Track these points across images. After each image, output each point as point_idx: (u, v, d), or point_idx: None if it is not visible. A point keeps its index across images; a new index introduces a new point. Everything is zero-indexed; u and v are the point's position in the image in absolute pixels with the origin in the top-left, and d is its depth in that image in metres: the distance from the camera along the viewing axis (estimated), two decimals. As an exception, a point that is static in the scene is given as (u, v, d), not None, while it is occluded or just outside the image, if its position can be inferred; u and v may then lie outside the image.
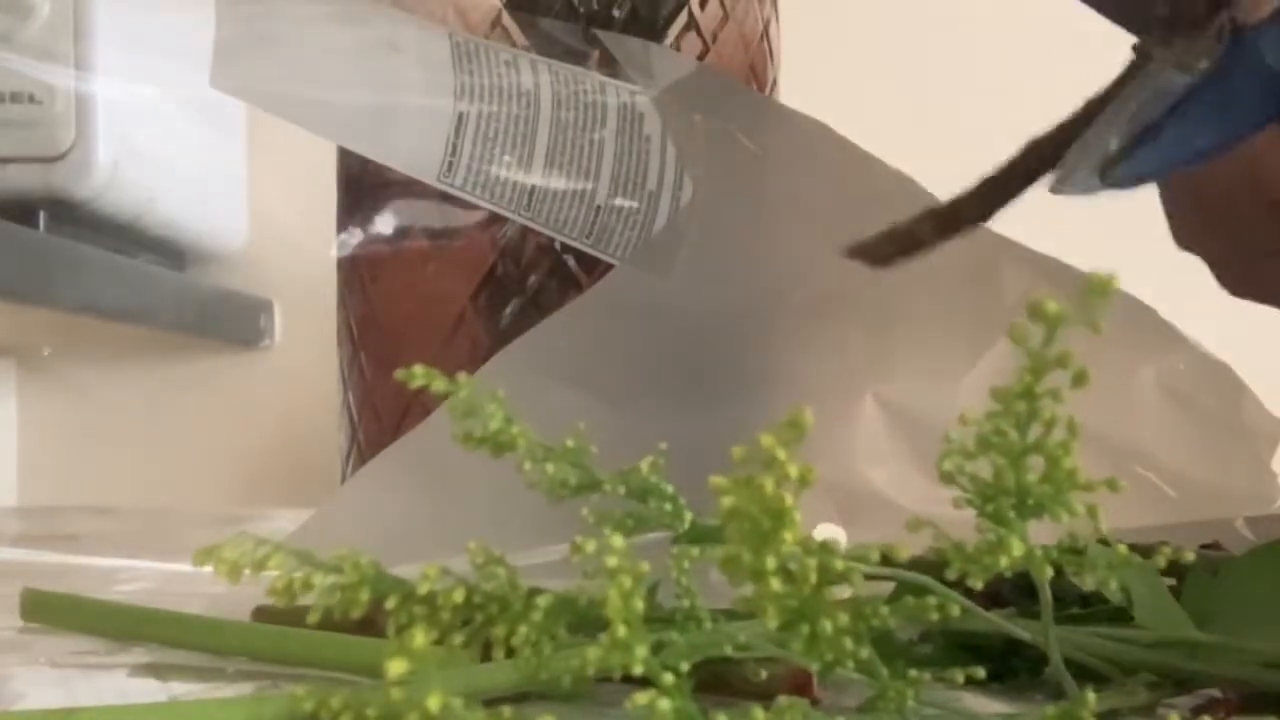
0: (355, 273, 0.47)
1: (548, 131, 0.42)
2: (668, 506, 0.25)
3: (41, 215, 0.82)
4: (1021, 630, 0.24)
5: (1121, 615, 0.27)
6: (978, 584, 0.20)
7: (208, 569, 0.21)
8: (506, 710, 0.18)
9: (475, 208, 0.43)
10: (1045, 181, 0.28)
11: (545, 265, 0.44)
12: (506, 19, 0.44)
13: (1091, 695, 0.20)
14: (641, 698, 0.18)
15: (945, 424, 0.20)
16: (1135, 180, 0.28)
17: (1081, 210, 0.33)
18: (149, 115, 0.87)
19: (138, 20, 0.84)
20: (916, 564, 0.21)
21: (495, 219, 0.44)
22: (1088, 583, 0.21)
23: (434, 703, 0.17)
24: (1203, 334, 0.47)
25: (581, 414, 0.26)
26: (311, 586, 0.21)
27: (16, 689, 0.29)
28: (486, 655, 0.22)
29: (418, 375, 0.23)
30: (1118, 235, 0.51)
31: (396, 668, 0.17)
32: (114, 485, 1.05)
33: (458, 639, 0.21)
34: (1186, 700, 0.26)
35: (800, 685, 0.24)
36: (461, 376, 0.24)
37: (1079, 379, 0.18)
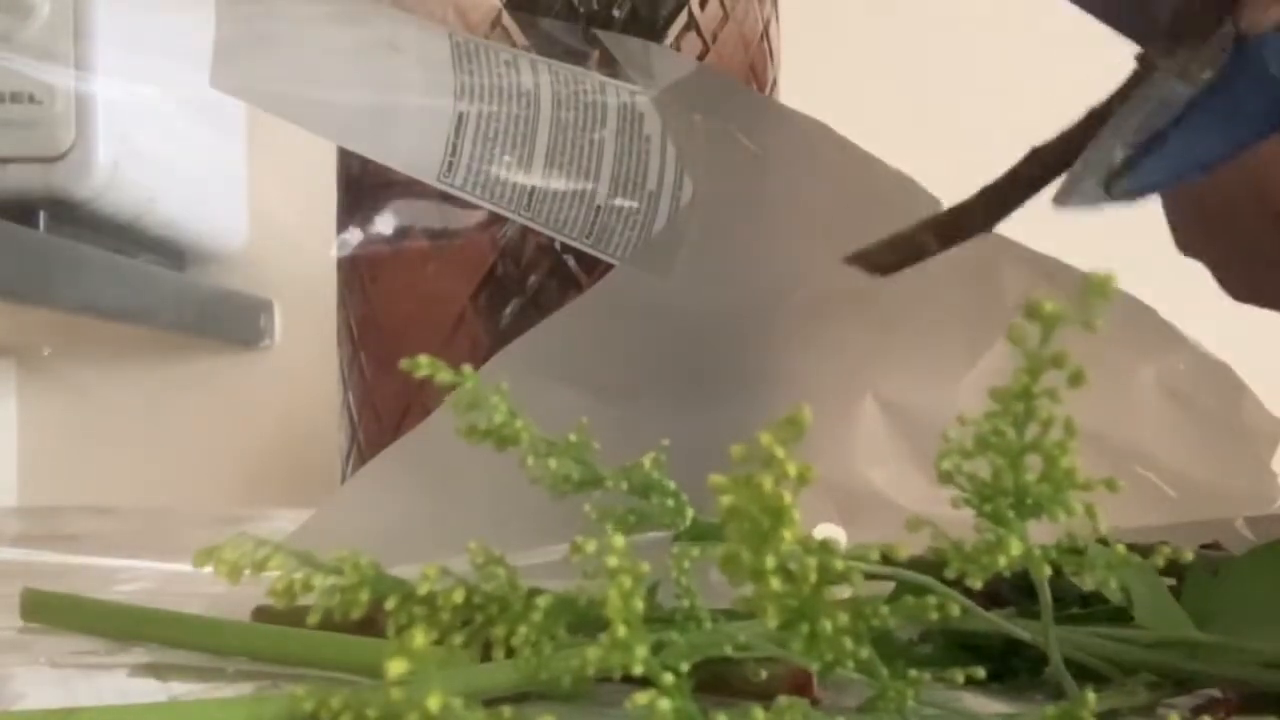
0: (355, 273, 0.47)
1: (548, 131, 0.42)
2: (670, 503, 0.25)
3: (41, 215, 0.82)
4: (1021, 630, 0.24)
5: (1121, 615, 0.27)
6: (977, 584, 0.20)
7: (208, 569, 0.21)
8: (506, 710, 0.18)
9: (475, 208, 0.43)
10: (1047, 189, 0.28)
11: (545, 265, 0.44)
12: (506, 19, 0.44)
13: (1091, 695, 0.20)
14: (641, 698, 0.18)
15: (945, 424, 0.20)
16: (1141, 192, 0.28)
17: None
18: (149, 115, 0.87)
19: (138, 20, 0.84)
20: (916, 564, 0.21)
21: (495, 219, 0.44)
22: (1087, 583, 0.21)
23: (434, 703, 0.17)
24: (1203, 334, 0.47)
25: (582, 414, 0.26)
26: (311, 587, 0.21)
27: (16, 689, 0.29)
28: (486, 655, 0.22)
29: (423, 365, 0.23)
30: (1118, 235, 0.51)
31: (396, 668, 0.17)
32: (114, 485, 1.05)
33: (458, 639, 0.21)
34: (1186, 700, 0.26)
35: (800, 685, 0.24)
36: (466, 369, 0.24)
37: (1075, 379, 0.18)
